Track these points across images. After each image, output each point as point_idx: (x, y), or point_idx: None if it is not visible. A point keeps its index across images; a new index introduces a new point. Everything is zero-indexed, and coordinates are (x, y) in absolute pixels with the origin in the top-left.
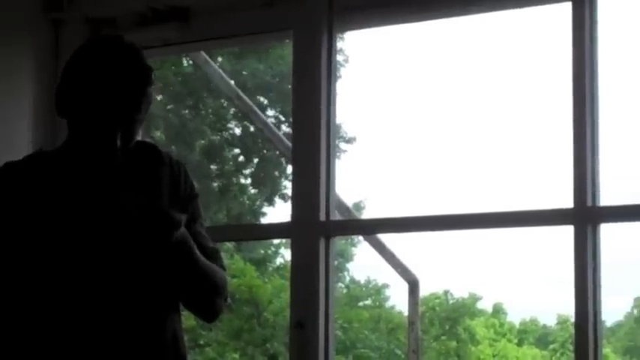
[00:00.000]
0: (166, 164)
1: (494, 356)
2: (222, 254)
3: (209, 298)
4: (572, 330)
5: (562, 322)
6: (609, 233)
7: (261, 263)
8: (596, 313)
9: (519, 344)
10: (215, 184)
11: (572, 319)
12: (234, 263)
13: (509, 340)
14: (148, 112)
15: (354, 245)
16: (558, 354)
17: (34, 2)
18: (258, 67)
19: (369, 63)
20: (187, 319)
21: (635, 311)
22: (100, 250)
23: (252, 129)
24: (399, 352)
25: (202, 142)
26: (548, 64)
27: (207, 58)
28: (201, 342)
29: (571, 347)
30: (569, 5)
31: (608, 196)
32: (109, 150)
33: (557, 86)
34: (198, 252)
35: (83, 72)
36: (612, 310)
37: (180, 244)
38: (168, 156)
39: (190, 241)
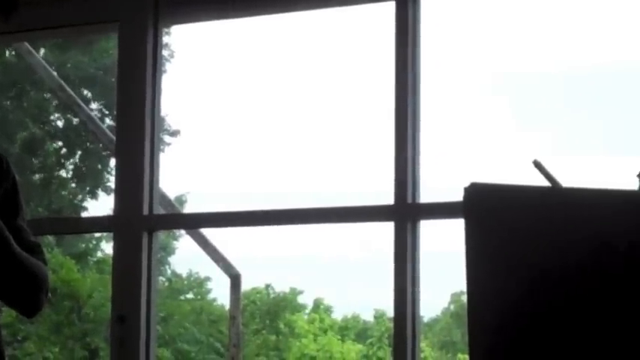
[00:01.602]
0: None
1: (318, 351)
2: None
3: (29, 292)
4: (388, 324)
5: (379, 316)
6: (428, 229)
7: (81, 257)
8: (415, 308)
9: (342, 339)
10: (36, 178)
11: (389, 314)
12: (53, 257)
13: (333, 336)
14: None
15: (175, 239)
16: (375, 348)
17: None
18: (83, 60)
19: (194, 57)
20: (6, 314)
21: (452, 307)
22: None
23: (75, 122)
24: (218, 345)
25: (24, 134)
26: (372, 62)
27: (31, 48)
28: (20, 337)
29: (387, 341)
30: (392, 5)
31: (428, 193)
32: None
33: (380, 84)
34: (15, 245)
35: None
36: (429, 305)
37: None
38: None
39: (6, 232)
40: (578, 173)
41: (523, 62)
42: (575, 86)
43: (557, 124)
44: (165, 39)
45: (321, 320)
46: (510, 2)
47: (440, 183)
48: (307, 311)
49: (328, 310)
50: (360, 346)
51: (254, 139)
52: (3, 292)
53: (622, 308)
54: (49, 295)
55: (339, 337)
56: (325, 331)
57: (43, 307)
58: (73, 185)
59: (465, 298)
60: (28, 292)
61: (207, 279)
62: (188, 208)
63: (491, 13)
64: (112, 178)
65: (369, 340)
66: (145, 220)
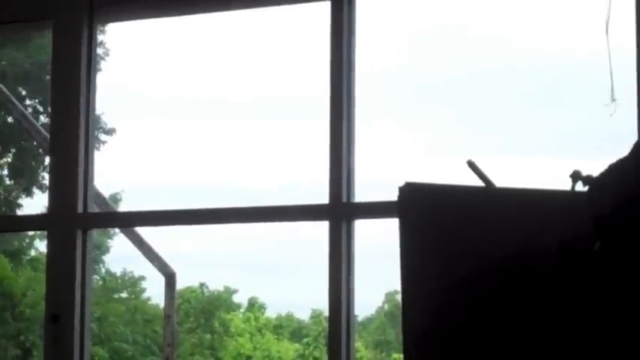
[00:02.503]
0: None
1: (255, 350)
2: None
3: None
4: (325, 324)
5: (316, 316)
6: (363, 229)
7: (15, 255)
8: (349, 307)
9: (278, 339)
10: None
11: (326, 313)
12: None
13: (270, 335)
14: None
15: (109, 237)
16: (311, 348)
17: None
18: (18, 56)
19: (129, 55)
20: None
21: (386, 306)
22: None
23: (9, 119)
24: (154, 347)
25: None
26: (307, 62)
27: None
28: None
29: (323, 341)
30: (328, 5)
31: (363, 192)
32: None
33: (316, 84)
34: None
35: None
36: (364, 304)
37: None
38: None
39: None
40: (513, 173)
41: (458, 62)
42: (511, 87)
43: (493, 124)
44: (99, 37)
45: (256, 319)
46: (444, 3)
47: (375, 182)
48: (242, 310)
49: (262, 307)
50: (297, 345)
51: (190, 137)
52: None
53: (553, 306)
54: None
55: (275, 337)
56: (260, 330)
57: None
58: (8, 182)
59: (399, 297)
60: None
61: (142, 278)
62: (123, 207)
63: (428, 14)
64: (47, 176)
65: (306, 340)
66: (80, 218)
